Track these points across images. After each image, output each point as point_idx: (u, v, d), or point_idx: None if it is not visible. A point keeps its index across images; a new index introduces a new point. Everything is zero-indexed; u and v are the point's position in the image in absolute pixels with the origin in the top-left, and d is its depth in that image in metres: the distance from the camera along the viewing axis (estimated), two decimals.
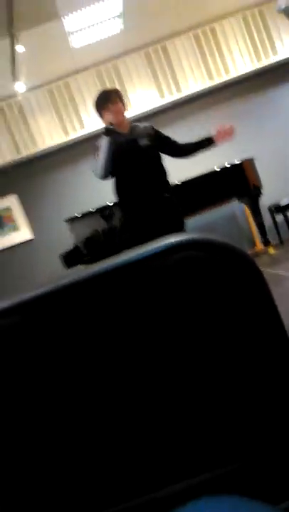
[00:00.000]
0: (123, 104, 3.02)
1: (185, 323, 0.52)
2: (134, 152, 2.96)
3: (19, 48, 4.54)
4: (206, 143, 3.11)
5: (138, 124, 3.10)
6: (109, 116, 2.92)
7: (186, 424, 0.54)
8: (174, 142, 3.12)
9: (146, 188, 2.97)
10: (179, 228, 3.00)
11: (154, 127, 3.09)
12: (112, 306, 0.52)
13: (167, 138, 3.10)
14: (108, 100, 2.96)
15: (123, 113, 3.00)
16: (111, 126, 2.89)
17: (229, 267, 0.52)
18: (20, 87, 5.33)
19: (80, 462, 0.54)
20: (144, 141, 2.96)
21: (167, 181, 3.09)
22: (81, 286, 0.52)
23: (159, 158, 3.05)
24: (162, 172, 3.06)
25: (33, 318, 0.52)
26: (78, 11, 4.69)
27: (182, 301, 0.52)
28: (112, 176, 2.99)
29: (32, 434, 0.54)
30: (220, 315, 0.52)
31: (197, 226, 5.46)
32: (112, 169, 2.93)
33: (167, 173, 3.09)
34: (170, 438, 0.54)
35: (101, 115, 3.03)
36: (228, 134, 3.06)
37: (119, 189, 3.04)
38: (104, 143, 2.90)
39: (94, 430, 0.54)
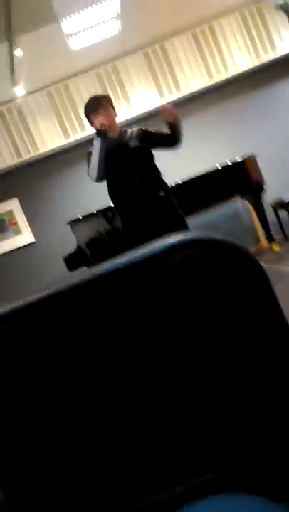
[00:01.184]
0: (114, 110, 3.03)
1: (187, 322, 0.52)
2: (124, 154, 2.97)
3: (18, 52, 4.55)
4: (169, 126, 3.01)
5: (128, 128, 3.12)
6: (100, 118, 2.92)
7: (188, 425, 0.54)
8: (163, 133, 3.05)
9: (139, 189, 2.98)
10: (181, 225, 2.99)
11: (144, 128, 3.09)
12: (114, 308, 0.52)
13: (156, 132, 3.06)
14: (98, 105, 2.97)
15: (113, 118, 3.01)
16: (103, 127, 2.91)
17: (231, 265, 0.52)
18: (19, 90, 5.35)
19: (82, 466, 0.54)
20: (133, 143, 2.98)
21: (162, 180, 3.09)
22: (83, 289, 0.52)
23: (151, 158, 3.05)
24: (155, 172, 3.06)
25: (34, 322, 0.52)
26: (76, 13, 4.69)
27: (184, 300, 0.52)
28: (106, 179, 3.01)
29: (33, 440, 0.54)
30: (222, 313, 0.52)
31: (200, 224, 5.46)
32: (105, 172, 2.95)
33: (161, 173, 3.08)
34: (171, 439, 0.54)
35: (90, 120, 3.04)
36: (167, 110, 2.97)
37: (113, 192, 3.06)
38: (96, 145, 2.92)
39: (96, 434, 0.54)
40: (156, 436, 0.54)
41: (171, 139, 3.02)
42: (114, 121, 3.02)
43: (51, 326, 0.52)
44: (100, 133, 2.92)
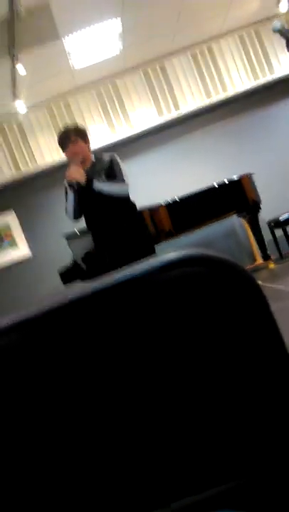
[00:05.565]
0: (85, 142, 3.05)
1: (182, 339, 0.52)
2: (90, 191, 3.04)
3: (19, 67, 4.61)
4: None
5: (102, 156, 3.13)
6: (71, 172, 3.01)
7: (186, 441, 0.53)
8: (118, 178, 3.09)
9: (104, 222, 3.10)
10: (148, 251, 3.09)
11: (115, 159, 3.09)
12: (111, 323, 0.52)
13: (116, 171, 3.07)
14: (68, 140, 3.02)
15: (85, 151, 3.04)
16: (73, 182, 2.96)
17: (227, 283, 0.52)
18: (20, 106, 5.41)
19: (79, 480, 0.54)
20: (97, 179, 3.03)
21: (130, 210, 3.16)
22: (79, 305, 0.52)
23: None
24: (122, 203, 3.10)
25: (31, 338, 0.51)
26: (78, 31, 4.78)
27: (179, 317, 0.52)
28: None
29: (30, 459, 0.53)
30: (218, 331, 0.52)
31: (197, 241, 5.49)
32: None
33: (129, 203, 3.15)
34: (169, 454, 0.53)
35: (64, 153, 3.14)
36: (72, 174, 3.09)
37: (87, 222, 3.29)
38: (70, 195, 3.07)
39: (94, 450, 0.53)
40: (151, 450, 0.53)
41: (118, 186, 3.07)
42: (86, 154, 3.06)
43: (47, 342, 0.52)
44: (71, 186, 3.00)
